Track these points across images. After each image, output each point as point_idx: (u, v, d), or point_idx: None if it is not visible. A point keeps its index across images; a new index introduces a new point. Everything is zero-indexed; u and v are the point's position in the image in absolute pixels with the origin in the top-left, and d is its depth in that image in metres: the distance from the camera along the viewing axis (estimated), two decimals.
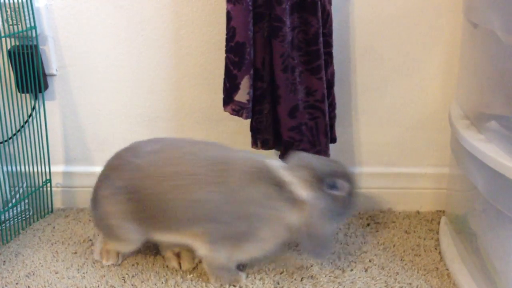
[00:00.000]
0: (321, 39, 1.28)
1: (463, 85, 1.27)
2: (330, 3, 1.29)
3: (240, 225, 1.17)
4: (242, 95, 1.31)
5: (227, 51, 1.29)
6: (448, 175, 1.43)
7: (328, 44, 1.31)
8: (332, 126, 1.39)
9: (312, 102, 1.32)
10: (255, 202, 1.17)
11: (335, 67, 1.36)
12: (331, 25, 1.31)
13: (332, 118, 1.39)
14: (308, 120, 1.33)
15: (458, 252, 1.26)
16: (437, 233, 1.42)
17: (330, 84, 1.35)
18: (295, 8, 1.26)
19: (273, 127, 1.38)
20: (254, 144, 1.40)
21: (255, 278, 1.26)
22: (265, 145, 1.39)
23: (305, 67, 1.30)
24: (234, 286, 1.24)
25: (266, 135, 1.37)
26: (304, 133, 1.34)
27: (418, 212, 1.53)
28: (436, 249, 1.35)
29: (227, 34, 1.28)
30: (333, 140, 1.41)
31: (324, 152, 1.36)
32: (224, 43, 1.30)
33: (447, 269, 1.27)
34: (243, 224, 1.17)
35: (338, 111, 1.41)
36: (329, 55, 1.33)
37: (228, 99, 1.32)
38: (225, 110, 1.34)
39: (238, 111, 1.32)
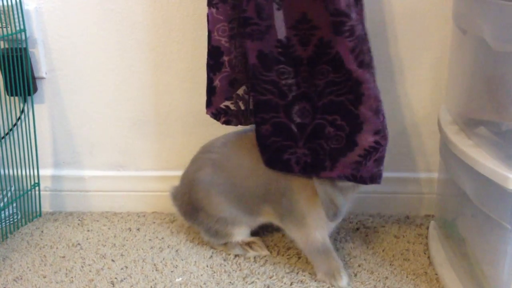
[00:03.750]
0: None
1: (452, 90, 1.28)
2: None
3: (286, 201, 1.26)
4: (220, 99, 1.30)
5: (207, 54, 1.28)
6: (437, 180, 1.43)
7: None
8: None
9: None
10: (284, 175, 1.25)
11: None
12: None
13: None
14: (385, 123, 1.17)
15: (447, 256, 1.27)
16: (426, 237, 1.42)
17: None
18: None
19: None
20: (291, 166, 1.23)
21: (246, 282, 1.26)
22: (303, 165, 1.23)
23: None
24: (334, 277, 1.24)
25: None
26: (386, 137, 1.16)
27: (407, 217, 1.54)
28: (425, 253, 1.36)
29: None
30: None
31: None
32: None
33: (436, 274, 1.27)
34: (287, 199, 1.25)
35: None
36: None
37: (208, 102, 1.32)
38: (206, 113, 1.33)
39: (216, 115, 1.32)
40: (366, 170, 1.18)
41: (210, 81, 1.29)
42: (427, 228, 1.46)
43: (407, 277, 1.27)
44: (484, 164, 1.02)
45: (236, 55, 1.26)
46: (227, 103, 1.31)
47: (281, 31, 1.16)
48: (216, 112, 1.32)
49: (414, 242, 1.41)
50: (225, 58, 1.27)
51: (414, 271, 1.29)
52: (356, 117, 1.15)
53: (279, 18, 1.16)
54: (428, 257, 1.34)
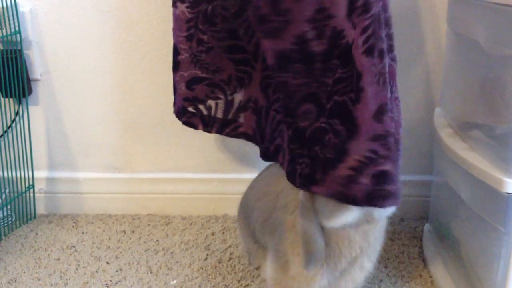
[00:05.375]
0: None
1: (447, 93, 1.28)
2: None
3: (276, 237, 1.11)
4: (179, 99, 1.28)
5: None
6: (432, 182, 1.44)
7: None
8: None
9: (395, 105, 0.97)
10: None
11: None
12: None
13: None
14: (394, 129, 0.95)
15: (441, 259, 1.27)
16: (421, 240, 1.42)
17: None
18: None
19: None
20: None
21: (241, 284, 1.26)
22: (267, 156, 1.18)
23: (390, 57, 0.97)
24: None
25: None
26: (391, 148, 0.95)
27: (402, 220, 1.54)
28: (419, 256, 1.36)
29: None
30: None
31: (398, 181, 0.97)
32: None
33: (431, 277, 1.27)
34: (277, 235, 1.10)
35: None
36: None
37: (174, 100, 1.30)
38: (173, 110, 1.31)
39: (177, 113, 1.30)
40: (359, 188, 0.94)
41: (173, 80, 1.28)
42: (422, 230, 1.46)
43: (401, 279, 1.27)
44: (478, 167, 1.02)
45: (197, 54, 1.24)
46: (185, 103, 1.28)
47: (298, 26, 0.98)
48: (177, 111, 1.29)
49: (408, 245, 1.41)
50: (181, 58, 1.25)
51: (409, 273, 1.29)
52: (353, 119, 0.95)
53: (296, 10, 0.98)
54: (423, 260, 1.34)
